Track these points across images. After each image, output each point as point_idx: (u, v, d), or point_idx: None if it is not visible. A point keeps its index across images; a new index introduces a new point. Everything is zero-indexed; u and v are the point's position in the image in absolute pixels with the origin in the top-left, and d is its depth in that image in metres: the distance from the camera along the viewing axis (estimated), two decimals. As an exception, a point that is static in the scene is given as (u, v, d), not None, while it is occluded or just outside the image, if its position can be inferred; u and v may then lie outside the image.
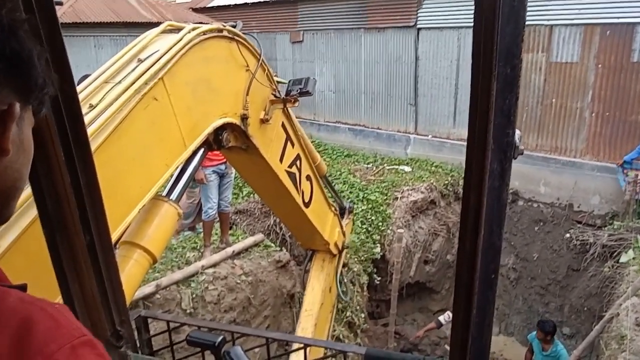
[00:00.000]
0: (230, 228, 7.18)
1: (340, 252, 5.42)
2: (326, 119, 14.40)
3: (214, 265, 5.80)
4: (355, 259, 7.81)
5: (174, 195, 2.86)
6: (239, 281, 5.76)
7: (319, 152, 12.78)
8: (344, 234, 5.51)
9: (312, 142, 13.65)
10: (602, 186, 9.42)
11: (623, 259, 7.61)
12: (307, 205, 4.42)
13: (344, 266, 5.63)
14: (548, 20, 10.02)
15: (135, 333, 1.93)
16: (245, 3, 15.06)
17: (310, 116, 14.78)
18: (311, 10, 13.89)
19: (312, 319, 4.57)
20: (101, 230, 1.53)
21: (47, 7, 1.24)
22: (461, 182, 9.79)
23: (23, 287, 0.79)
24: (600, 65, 9.74)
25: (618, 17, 9.16)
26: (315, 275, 5.07)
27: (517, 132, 1.01)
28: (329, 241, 5.09)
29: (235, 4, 15.38)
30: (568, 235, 9.10)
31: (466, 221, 1.14)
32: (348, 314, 7.13)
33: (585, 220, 9.53)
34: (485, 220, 1.08)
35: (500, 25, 0.93)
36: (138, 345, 1.88)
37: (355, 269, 7.64)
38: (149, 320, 2.37)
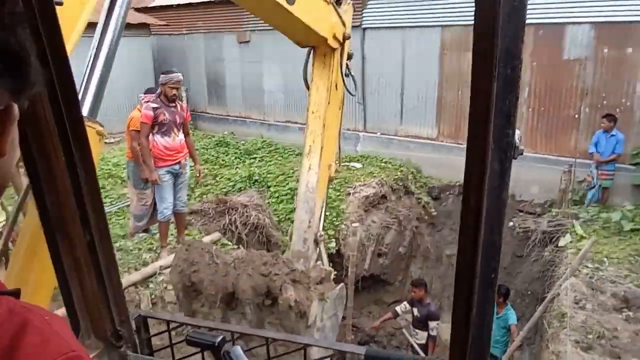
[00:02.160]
0: (186, 228, 7.12)
1: (341, 44, 4.88)
2: (276, 118, 14.44)
3: (170, 266, 5.74)
4: (312, 255, 7.91)
5: (86, 111, 2.48)
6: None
7: (269, 152, 12.91)
8: (343, 24, 4.90)
9: (262, 141, 13.74)
10: (540, 176, 9.98)
11: (561, 242, 8.13)
12: (290, 1, 3.86)
13: (348, 58, 5.09)
14: (486, 20, 10.50)
15: (135, 333, 1.91)
16: (190, 3, 14.83)
17: (260, 116, 14.79)
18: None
19: (319, 120, 4.47)
20: (101, 230, 1.54)
21: (47, 7, 1.25)
22: (410, 176, 10.10)
23: (16, 293, 0.75)
24: (535, 63, 10.34)
25: (549, 18, 9.75)
26: (317, 74, 4.73)
27: (517, 132, 1.01)
28: (327, 36, 4.58)
29: (179, 4, 15.14)
30: (511, 223, 9.59)
31: (466, 221, 1.14)
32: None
33: (527, 209, 10.09)
34: (485, 220, 1.09)
35: (500, 26, 0.92)
36: (138, 345, 1.88)
37: (312, 264, 7.75)
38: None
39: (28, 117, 1.30)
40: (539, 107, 10.46)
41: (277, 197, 9.50)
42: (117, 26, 2.64)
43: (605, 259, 7.18)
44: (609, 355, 5.22)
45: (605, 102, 9.63)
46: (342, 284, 3.90)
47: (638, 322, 5.77)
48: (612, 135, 8.92)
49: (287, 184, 9.89)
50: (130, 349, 1.77)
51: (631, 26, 9.06)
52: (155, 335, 2.15)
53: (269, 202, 9.16)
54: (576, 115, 10.08)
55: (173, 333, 2.17)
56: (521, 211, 10.20)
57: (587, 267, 7.00)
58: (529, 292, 8.86)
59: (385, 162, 11.24)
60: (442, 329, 7.70)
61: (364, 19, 12.12)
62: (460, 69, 11.27)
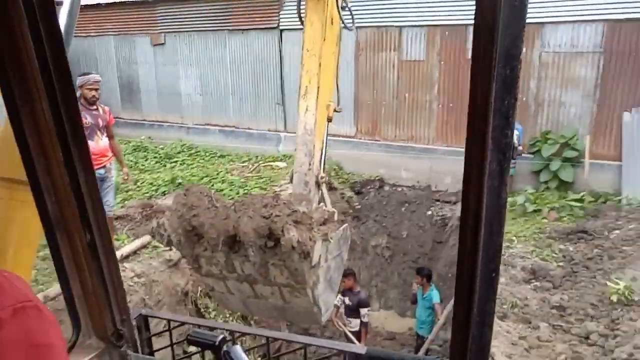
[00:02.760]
0: (115, 232, 6.91)
1: (337, -28, 4.56)
2: (195, 121, 14.26)
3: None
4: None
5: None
6: (131, 283, 5.63)
7: (190, 155, 12.71)
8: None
9: (182, 145, 13.47)
10: (452, 168, 10.71)
11: (475, 226, 8.80)
12: None
13: None
14: (398, 22, 11.14)
15: (136, 332, 1.90)
16: (99, 4, 14.26)
17: (178, 120, 14.53)
18: (171, 12, 13.64)
19: (315, 58, 4.27)
20: (101, 229, 1.53)
21: (47, 7, 1.25)
22: (332, 172, 10.40)
23: None
24: (442, 62, 11.09)
25: (454, 20, 10.52)
26: (311, 7, 4.36)
27: (516, 132, 1.04)
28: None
29: (87, 4, 14.49)
30: (430, 212, 10.23)
31: (466, 221, 1.13)
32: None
33: (442, 198, 10.80)
34: (485, 219, 1.09)
35: (500, 26, 0.92)
36: (138, 344, 1.88)
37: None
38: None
39: (27, 117, 1.31)
40: (448, 103, 11.23)
41: (204, 199, 9.41)
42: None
43: (514, 237, 7.92)
44: (521, 321, 5.80)
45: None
46: (345, 224, 3.79)
47: (544, 290, 6.45)
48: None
49: (212, 185, 9.85)
50: (130, 349, 1.76)
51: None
52: (155, 334, 2.14)
53: (195, 204, 9.06)
54: (481, 110, 10.92)
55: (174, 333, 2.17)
56: (438, 200, 10.89)
57: (499, 245, 7.66)
58: (450, 275, 9.49)
59: (308, 160, 11.51)
60: (372, 315, 8.07)
61: (281, 21, 12.34)
62: (375, 69, 11.81)
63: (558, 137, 9.79)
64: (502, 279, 6.72)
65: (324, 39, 4.36)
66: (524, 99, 10.31)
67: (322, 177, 4.21)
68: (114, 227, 7.03)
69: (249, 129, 13.49)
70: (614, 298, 5.76)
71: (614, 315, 5.57)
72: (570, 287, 6.45)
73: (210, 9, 13.17)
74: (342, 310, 7.62)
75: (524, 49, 8.09)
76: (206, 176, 10.38)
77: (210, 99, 13.94)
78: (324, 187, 4.27)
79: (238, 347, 1.65)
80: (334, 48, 4.68)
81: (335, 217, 3.64)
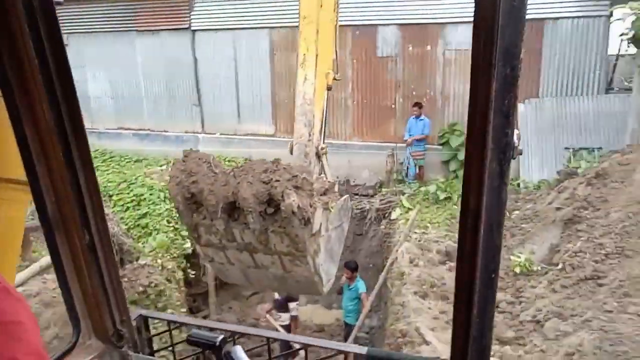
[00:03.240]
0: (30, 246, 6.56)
1: None
2: (106, 125, 13.75)
3: (22, 284, 5.32)
4: (168, 257, 7.88)
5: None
6: (54, 295, 5.40)
7: (104, 161, 12.21)
8: None
9: (95, 150, 12.89)
10: (369, 162, 11.18)
11: (393, 216, 9.33)
12: None
13: None
14: (309, 22, 11.40)
15: (136, 333, 1.89)
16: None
17: (87, 124, 13.83)
18: (74, 12, 13.03)
19: (312, 25, 4.18)
20: (101, 230, 1.53)
21: (47, 7, 1.25)
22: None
23: None
24: (355, 61, 11.52)
25: (363, 20, 10.97)
26: None
27: (516, 131, 1.02)
28: None
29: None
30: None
31: (466, 221, 1.13)
32: (170, 310, 7.19)
33: (361, 192, 11.23)
34: (484, 219, 1.09)
35: (500, 26, 0.92)
36: (138, 344, 1.87)
37: (170, 267, 7.72)
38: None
39: (28, 117, 1.32)
40: (361, 99, 11.69)
41: (122, 205, 9.19)
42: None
43: (428, 224, 8.51)
44: (440, 298, 6.29)
45: (414, 92, 11.18)
46: (347, 195, 3.69)
47: None
48: (421, 120, 10.43)
49: (131, 190, 9.60)
50: (131, 349, 1.76)
51: (427, 27, 10.69)
52: (156, 335, 2.13)
53: (114, 211, 8.79)
54: (392, 106, 11.52)
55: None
56: (356, 194, 11.29)
57: (415, 232, 8.22)
58: (371, 265, 9.93)
59: (229, 160, 11.52)
60: (300, 310, 8.28)
61: (192, 21, 12.21)
62: (291, 68, 12.02)
63: (464, 128, 10.55)
64: (420, 262, 7.22)
65: (321, 5, 4.26)
66: (432, 93, 11.00)
67: (322, 148, 4.10)
68: (29, 240, 6.67)
69: (165, 131, 13.22)
70: (517, 270, 6.47)
71: (518, 285, 6.28)
72: None
73: (115, 9, 12.76)
74: (271, 306, 7.77)
75: (429, 48, 8.64)
76: (124, 181, 10.07)
77: (122, 102, 13.50)
78: (324, 158, 4.17)
79: (238, 348, 1.65)
80: (332, 15, 4.56)
81: (336, 188, 3.56)
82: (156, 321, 2.31)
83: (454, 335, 1.29)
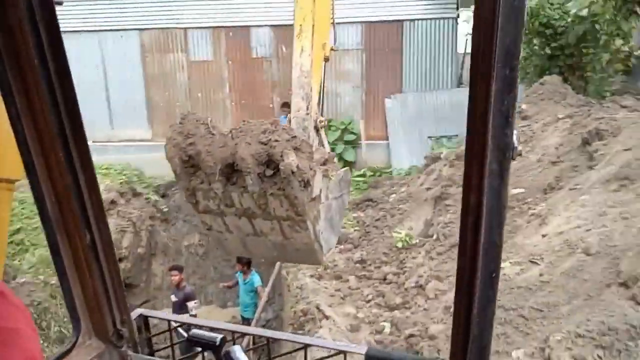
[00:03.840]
0: None
1: None
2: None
3: None
4: (50, 272, 7.45)
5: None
6: None
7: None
8: None
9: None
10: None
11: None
12: None
13: None
14: (182, 23, 11.31)
15: (136, 333, 1.87)
16: None
17: None
18: None
19: None
20: (102, 229, 1.53)
21: (47, 7, 1.25)
22: (135, 178, 10.19)
23: None
24: (230, 62, 11.66)
25: (237, 21, 11.16)
26: None
27: (515, 132, 1.02)
28: None
29: None
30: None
31: (466, 221, 1.13)
32: (56, 328, 6.80)
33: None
34: (485, 219, 1.09)
35: (499, 26, 0.93)
36: (138, 344, 1.85)
37: (53, 282, 7.28)
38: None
39: (28, 117, 1.32)
40: (240, 100, 11.86)
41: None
42: None
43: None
44: (334, 278, 6.77)
45: (290, 92, 11.60)
46: (347, 167, 3.64)
47: (347, 251, 7.61)
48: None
49: None
50: (131, 349, 1.75)
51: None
52: (156, 335, 2.12)
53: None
54: (270, 105, 11.86)
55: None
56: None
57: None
58: (262, 260, 10.14)
59: (106, 169, 11.04)
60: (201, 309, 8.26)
61: (52, 22, 11.39)
62: (164, 70, 11.80)
63: (339, 124, 11.25)
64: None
65: None
66: (308, 92, 11.50)
67: (321, 121, 4.00)
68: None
69: None
70: (399, 245, 7.25)
71: (401, 258, 7.09)
72: (366, 244, 7.74)
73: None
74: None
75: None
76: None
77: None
78: (322, 132, 4.08)
79: (238, 347, 1.65)
80: None
81: (335, 160, 3.50)
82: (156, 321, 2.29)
83: (454, 334, 1.29)
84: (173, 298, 7.52)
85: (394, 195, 9.19)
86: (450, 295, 5.46)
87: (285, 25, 11.10)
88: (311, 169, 2.91)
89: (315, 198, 3.03)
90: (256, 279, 8.10)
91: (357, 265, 7.16)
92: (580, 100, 9.16)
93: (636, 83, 11.33)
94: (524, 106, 9.18)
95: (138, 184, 10.82)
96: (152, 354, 2.02)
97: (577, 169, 6.75)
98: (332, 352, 1.86)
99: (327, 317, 5.76)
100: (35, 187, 1.38)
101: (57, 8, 1.28)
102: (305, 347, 1.88)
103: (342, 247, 7.76)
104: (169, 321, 2.11)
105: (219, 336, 1.69)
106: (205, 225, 3.46)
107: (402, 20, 11.06)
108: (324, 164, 3.31)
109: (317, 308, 5.82)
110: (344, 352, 1.83)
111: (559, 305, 4.44)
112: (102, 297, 1.58)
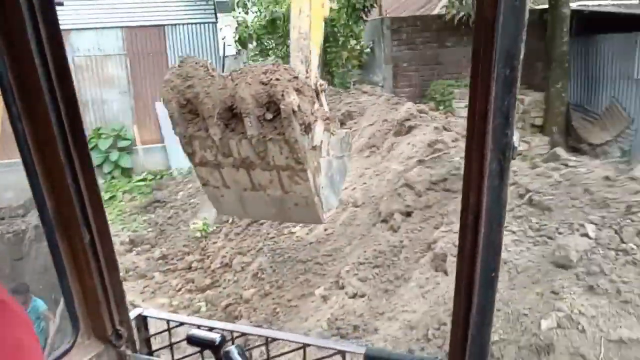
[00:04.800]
0: None
1: None
2: None
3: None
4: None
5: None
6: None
7: None
8: None
9: None
10: (10, 180, 10.25)
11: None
12: None
13: None
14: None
15: (135, 332, 1.87)
16: None
17: None
18: None
19: None
20: (101, 229, 1.53)
21: (47, 7, 1.25)
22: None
23: None
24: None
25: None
26: None
27: (515, 132, 1.01)
28: None
29: None
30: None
31: (466, 221, 1.13)
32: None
33: (8, 214, 10.38)
34: (485, 219, 1.09)
35: (500, 26, 0.92)
36: (137, 344, 1.86)
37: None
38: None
39: (28, 117, 1.33)
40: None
41: None
42: None
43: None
44: (138, 278, 7.28)
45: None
46: (349, 129, 3.47)
47: (145, 252, 8.16)
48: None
49: None
50: (129, 349, 1.75)
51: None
52: (154, 334, 2.12)
53: None
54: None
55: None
56: (2, 218, 10.25)
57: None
58: (45, 280, 9.43)
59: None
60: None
61: None
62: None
63: (110, 131, 10.94)
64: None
65: None
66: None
67: (321, 85, 3.71)
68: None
69: None
70: (198, 234, 7.83)
71: (202, 246, 7.64)
72: (164, 242, 8.18)
73: None
74: None
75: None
76: None
77: None
78: (322, 96, 3.75)
79: (238, 347, 1.65)
80: None
81: (337, 121, 3.23)
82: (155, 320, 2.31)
83: (453, 333, 1.30)
84: None
85: (182, 193, 9.63)
86: (255, 264, 6.33)
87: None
88: (312, 114, 2.85)
89: (316, 148, 2.96)
90: (40, 304, 7.33)
91: (160, 261, 7.60)
92: (332, 90, 10.99)
93: (369, 75, 13.83)
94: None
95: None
96: (150, 353, 2.03)
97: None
98: (331, 351, 1.85)
99: (139, 307, 6.01)
100: (35, 187, 1.38)
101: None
102: (304, 346, 1.89)
103: (139, 249, 8.00)
104: (168, 321, 2.11)
105: (219, 336, 1.71)
106: (201, 179, 3.27)
107: (164, 25, 11.31)
108: (325, 120, 3.25)
109: (132, 304, 5.97)
110: (343, 352, 1.82)
111: (343, 248, 5.81)
112: (101, 297, 1.60)
